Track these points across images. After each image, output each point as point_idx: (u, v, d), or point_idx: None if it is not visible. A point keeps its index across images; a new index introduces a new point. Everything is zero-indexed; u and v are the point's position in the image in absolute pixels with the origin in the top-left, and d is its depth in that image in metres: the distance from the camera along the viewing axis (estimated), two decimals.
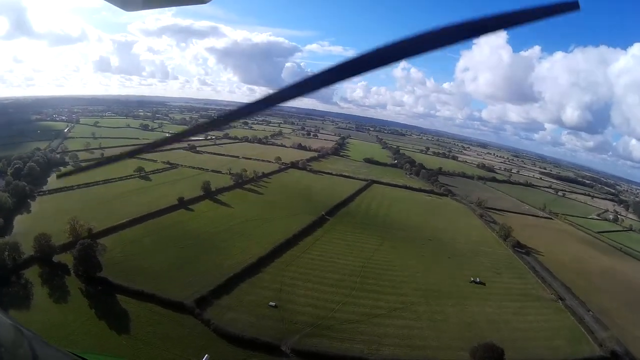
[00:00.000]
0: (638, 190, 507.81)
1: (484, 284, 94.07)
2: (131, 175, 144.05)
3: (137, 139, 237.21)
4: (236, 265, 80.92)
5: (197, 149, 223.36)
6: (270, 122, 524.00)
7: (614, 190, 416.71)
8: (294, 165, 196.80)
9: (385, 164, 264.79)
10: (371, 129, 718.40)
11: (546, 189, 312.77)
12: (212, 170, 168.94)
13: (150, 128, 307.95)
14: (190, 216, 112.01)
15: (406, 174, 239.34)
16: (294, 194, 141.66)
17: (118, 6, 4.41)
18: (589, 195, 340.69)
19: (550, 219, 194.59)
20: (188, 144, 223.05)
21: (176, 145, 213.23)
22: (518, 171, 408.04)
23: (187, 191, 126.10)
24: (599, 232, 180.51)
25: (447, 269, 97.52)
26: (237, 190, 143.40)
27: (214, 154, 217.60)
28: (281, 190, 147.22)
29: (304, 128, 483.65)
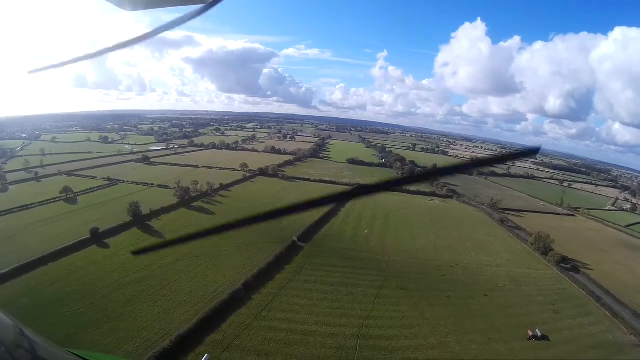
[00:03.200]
0: (630, 175, 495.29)
1: (547, 339, 59.71)
2: (56, 197, 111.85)
3: (90, 152, 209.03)
4: (137, 350, 45.43)
5: (151, 160, 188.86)
6: (244, 128, 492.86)
7: (609, 177, 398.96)
8: (262, 172, 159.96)
9: (371, 164, 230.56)
10: (352, 129, 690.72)
11: (549, 181, 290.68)
12: (159, 186, 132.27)
13: (110, 140, 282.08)
14: (101, 256, 75.39)
15: (398, 173, 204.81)
16: (255, 210, 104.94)
17: (118, 6, 4.28)
18: (592, 184, 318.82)
19: (572, 215, 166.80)
20: (142, 155, 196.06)
21: (128, 157, 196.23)
22: (513, 163, 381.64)
23: (110, 218, 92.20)
24: (626, 227, 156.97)
25: (489, 318, 62.49)
26: (182, 210, 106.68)
27: (170, 164, 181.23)
28: (240, 206, 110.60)
29: (281, 131, 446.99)
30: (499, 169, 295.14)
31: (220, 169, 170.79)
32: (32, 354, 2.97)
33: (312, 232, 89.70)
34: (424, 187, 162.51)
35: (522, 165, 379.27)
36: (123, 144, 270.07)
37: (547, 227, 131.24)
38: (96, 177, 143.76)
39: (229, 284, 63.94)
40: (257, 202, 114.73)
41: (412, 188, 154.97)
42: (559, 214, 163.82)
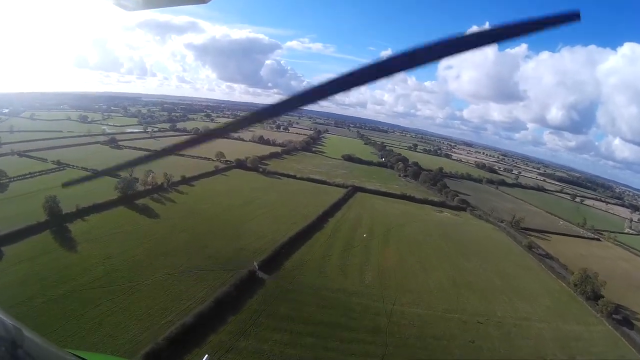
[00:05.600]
0: (631, 192, 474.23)
1: None
2: None
3: (60, 131, 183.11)
4: None
5: (119, 142, 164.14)
6: (237, 116, 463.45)
7: (614, 194, 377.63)
8: (240, 164, 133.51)
9: (370, 163, 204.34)
10: (351, 125, 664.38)
11: (560, 195, 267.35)
12: (110, 174, 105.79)
13: (89, 120, 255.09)
14: None
15: (400, 175, 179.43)
16: (213, 216, 79.01)
17: (118, 6, 4.25)
18: (601, 200, 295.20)
19: (597, 239, 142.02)
20: (109, 138, 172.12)
21: (97, 139, 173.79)
22: (519, 172, 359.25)
23: (27, 214, 68.45)
24: None
25: None
26: (120, 208, 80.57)
27: (138, 149, 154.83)
28: (198, 208, 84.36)
29: (275, 121, 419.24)
30: (509, 179, 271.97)
31: (193, 157, 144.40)
32: (31, 354, 2.89)
33: (284, 255, 63.22)
34: (432, 195, 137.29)
35: (530, 176, 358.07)
36: (101, 124, 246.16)
37: (577, 255, 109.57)
38: (47, 159, 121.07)
39: (130, 344, 38.63)
40: (221, 203, 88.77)
41: (419, 196, 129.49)
42: (584, 237, 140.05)
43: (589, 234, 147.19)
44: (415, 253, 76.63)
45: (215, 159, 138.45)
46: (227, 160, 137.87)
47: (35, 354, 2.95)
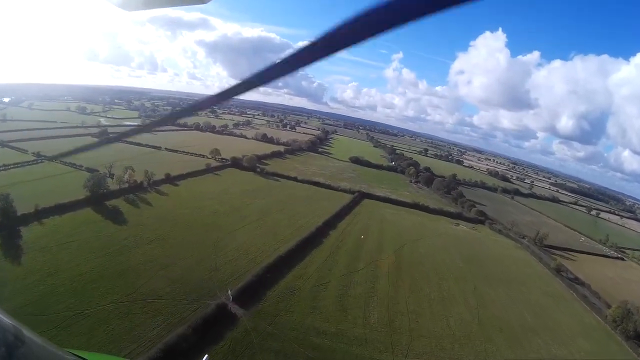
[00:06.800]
0: None
1: None
2: None
3: (54, 122, 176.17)
4: None
5: (111, 135, 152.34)
6: (245, 113, 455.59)
7: (626, 207, 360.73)
8: (235, 162, 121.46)
9: (379, 167, 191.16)
10: (361, 127, 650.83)
11: (575, 207, 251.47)
12: (88, 169, 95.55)
13: (88, 112, 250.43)
14: None
15: (411, 181, 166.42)
16: (191, 225, 66.85)
17: (118, 6, 4.27)
18: (615, 214, 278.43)
19: (622, 259, 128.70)
20: (100, 130, 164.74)
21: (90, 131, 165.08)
22: (532, 182, 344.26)
23: None
24: None
25: None
26: (86, 210, 69.01)
27: (129, 143, 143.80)
28: (175, 213, 72.38)
29: (282, 120, 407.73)
30: (523, 188, 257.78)
31: (186, 153, 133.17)
32: (31, 354, 2.91)
33: (270, 281, 50.92)
34: (447, 205, 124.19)
35: (542, 185, 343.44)
36: (99, 116, 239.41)
37: (605, 278, 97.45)
38: (27, 151, 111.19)
39: None
40: (204, 208, 76.72)
41: (433, 205, 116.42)
42: (608, 257, 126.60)
43: (613, 252, 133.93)
44: (432, 279, 63.58)
45: (210, 157, 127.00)
46: (222, 158, 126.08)
47: (35, 354, 2.96)
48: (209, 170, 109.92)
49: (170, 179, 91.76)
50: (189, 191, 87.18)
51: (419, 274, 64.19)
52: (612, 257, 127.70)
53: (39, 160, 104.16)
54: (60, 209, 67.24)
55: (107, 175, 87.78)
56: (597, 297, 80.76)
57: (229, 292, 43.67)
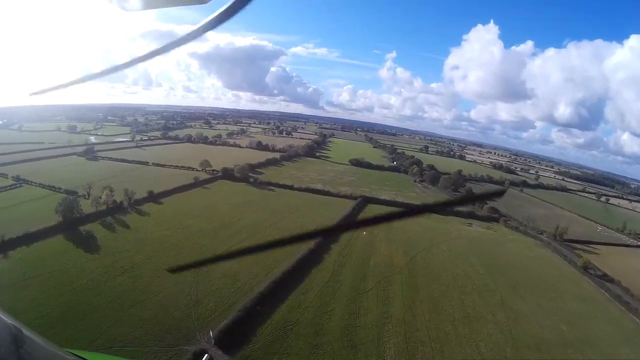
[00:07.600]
0: None
1: None
2: None
3: (42, 143, 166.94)
4: None
5: (97, 152, 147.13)
6: (240, 122, 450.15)
7: (633, 190, 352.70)
8: (226, 174, 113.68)
9: (381, 167, 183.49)
10: (359, 129, 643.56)
11: (584, 195, 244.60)
12: (67, 191, 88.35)
13: (78, 130, 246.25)
14: None
15: (415, 180, 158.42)
16: (171, 248, 58.93)
17: (118, 6, 3.86)
18: (623, 198, 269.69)
19: None
20: (86, 149, 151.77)
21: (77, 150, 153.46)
22: (537, 172, 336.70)
23: None
24: None
25: None
26: (57, 238, 61.50)
27: (116, 159, 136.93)
28: (154, 235, 64.62)
29: (279, 127, 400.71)
30: (529, 179, 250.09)
31: (175, 167, 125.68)
32: (31, 354, 2.89)
33: (261, 315, 43.17)
34: (451, 201, 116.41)
35: (547, 175, 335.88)
36: (90, 134, 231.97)
37: (633, 271, 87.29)
38: (7, 175, 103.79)
39: None
40: (188, 228, 68.88)
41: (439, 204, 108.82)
42: (629, 246, 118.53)
43: (632, 240, 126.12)
44: (453, 294, 55.33)
45: (199, 169, 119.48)
46: (212, 170, 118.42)
47: (35, 354, 2.95)
48: (197, 184, 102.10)
49: (153, 197, 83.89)
50: (174, 208, 79.33)
51: (438, 289, 55.96)
52: (633, 246, 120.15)
53: (17, 185, 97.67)
54: (29, 238, 59.70)
55: (86, 197, 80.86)
56: (630, 295, 73.16)
57: (211, 333, 35.89)
